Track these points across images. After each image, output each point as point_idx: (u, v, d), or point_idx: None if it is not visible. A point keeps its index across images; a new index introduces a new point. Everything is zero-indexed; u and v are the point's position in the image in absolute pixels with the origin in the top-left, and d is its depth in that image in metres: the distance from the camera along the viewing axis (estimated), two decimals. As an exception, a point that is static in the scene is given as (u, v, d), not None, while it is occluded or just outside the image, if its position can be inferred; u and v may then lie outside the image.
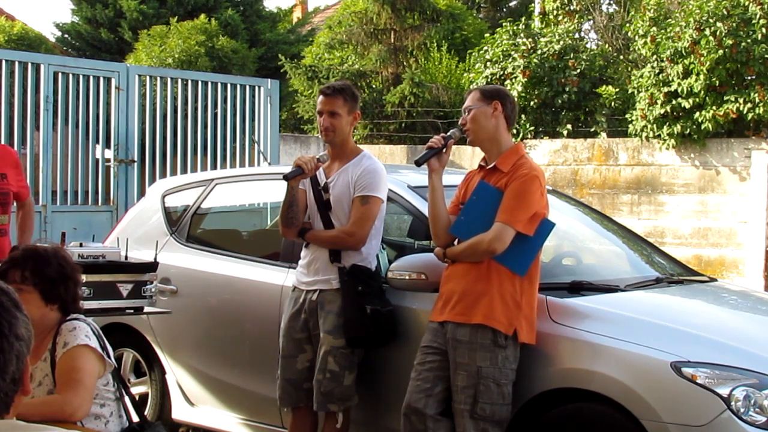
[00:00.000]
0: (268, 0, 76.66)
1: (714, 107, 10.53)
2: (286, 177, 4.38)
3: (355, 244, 4.40)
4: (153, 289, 4.60)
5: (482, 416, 3.88)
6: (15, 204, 5.34)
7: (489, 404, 3.88)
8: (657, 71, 10.97)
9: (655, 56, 11.06)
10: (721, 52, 10.32)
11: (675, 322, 4.10)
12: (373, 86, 15.70)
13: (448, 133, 4.23)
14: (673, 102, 10.74)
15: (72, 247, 4.46)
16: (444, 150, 4.18)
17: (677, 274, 5.07)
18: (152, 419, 5.13)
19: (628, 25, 12.23)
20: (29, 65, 8.89)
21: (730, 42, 10.32)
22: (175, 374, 5.42)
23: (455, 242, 4.11)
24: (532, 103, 12.31)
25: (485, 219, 3.97)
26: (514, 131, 12.29)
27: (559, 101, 12.23)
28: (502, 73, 12.48)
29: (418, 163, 4.18)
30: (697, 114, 10.62)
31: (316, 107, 4.58)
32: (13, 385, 1.67)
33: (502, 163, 4.07)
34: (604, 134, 12.22)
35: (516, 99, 12.16)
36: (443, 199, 4.16)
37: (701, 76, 10.46)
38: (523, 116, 12.40)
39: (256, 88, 10.76)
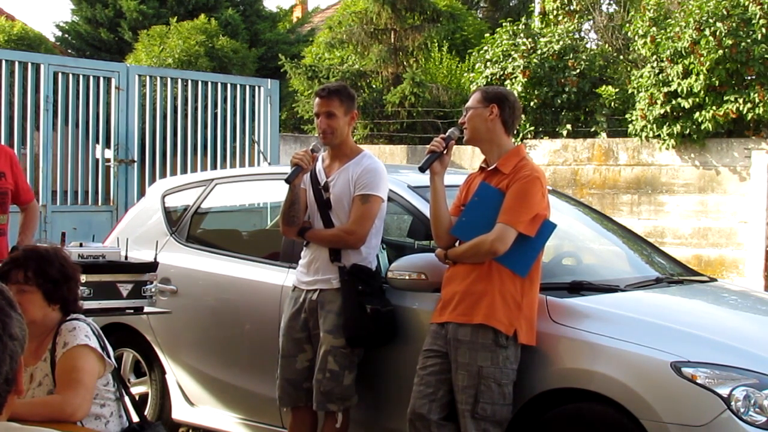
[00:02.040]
0: (268, 0, 76.66)
1: (714, 107, 10.52)
2: (288, 180, 4.38)
3: (355, 242, 4.39)
4: (153, 289, 4.60)
5: (483, 416, 3.88)
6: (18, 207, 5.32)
7: (490, 404, 3.89)
8: (657, 71, 10.97)
9: (655, 56, 11.05)
10: (721, 52, 10.32)
11: (675, 322, 4.10)
12: (373, 86, 15.70)
13: (447, 134, 4.21)
14: (673, 102, 10.74)
15: (72, 247, 4.46)
16: (445, 152, 4.18)
17: (677, 274, 5.07)
18: (152, 419, 5.13)
19: (628, 25, 12.22)
20: (29, 65, 8.89)
21: (730, 42, 10.31)
22: (175, 374, 5.42)
23: (457, 243, 4.11)
24: (532, 103, 12.31)
25: (486, 220, 3.97)
26: (513, 133, 12.28)
27: (559, 101, 12.22)
28: (502, 73, 12.48)
29: (422, 170, 4.18)
30: (697, 114, 10.62)
31: (314, 109, 4.57)
32: (7, 386, 1.66)
33: (503, 164, 4.07)
34: (604, 134, 12.21)
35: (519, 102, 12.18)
36: (445, 200, 4.16)
37: (701, 76, 10.46)
38: (523, 116, 12.38)
39: (256, 88, 10.76)
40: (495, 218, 3.95)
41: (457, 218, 4.13)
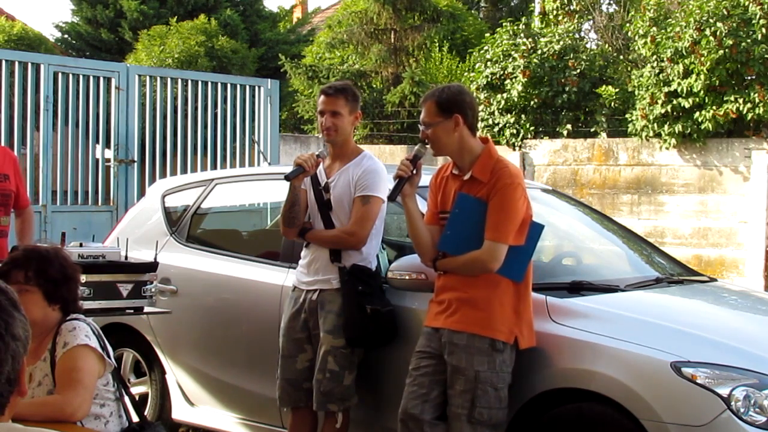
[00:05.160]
0: (268, 0, 76.65)
1: (714, 107, 10.53)
2: (287, 177, 4.38)
3: (355, 243, 4.39)
4: (153, 289, 4.59)
5: (480, 420, 3.86)
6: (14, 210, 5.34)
7: (486, 408, 3.87)
8: (657, 71, 10.97)
9: (655, 56, 11.06)
10: (721, 52, 10.32)
11: (675, 322, 4.10)
12: (374, 86, 15.70)
13: (413, 154, 4.06)
14: (674, 102, 10.74)
15: (72, 247, 4.46)
16: (414, 172, 4.04)
17: (677, 274, 5.07)
18: (152, 419, 5.13)
19: (628, 25, 12.23)
20: (29, 65, 8.88)
21: (730, 42, 10.32)
22: (175, 374, 5.42)
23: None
24: (532, 103, 12.31)
25: (471, 231, 3.90)
26: (514, 131, 12.29)
27: (559, 101, 12.22)
28: (502, 73, 12.49)
29: (391, 199, 4.09)
30: (697, 114, 10.62)
31: (318, 107, 4.56)
32: (9, 386, 1.65)
33: (479, 172, 3.95)
34: (604, 134, 12.22)
35: (513, 99, 12.02)
36: (422, 220, 4.07)
37: (701, 76, 10.46)
38: (523, 116, 12.39)
39: (256, 88, 10.76)
40: (479, 228, 3.88)
41: (436, 227, 4.05)
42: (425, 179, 4.22)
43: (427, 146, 4.07)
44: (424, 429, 3.94)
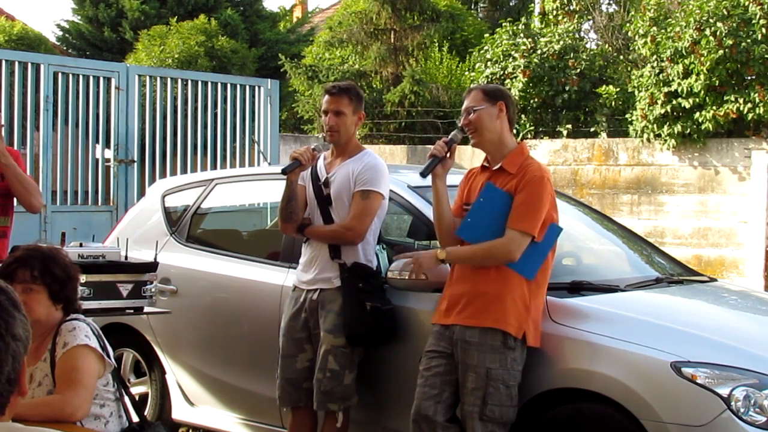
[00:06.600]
0: (268, 0, 76.66)
1: (714, 107, 10.53)
2: (284, 171, 4.38)
3: (353, 238, 4.38)
4: (153, 289, 4.59)
5: (491, 418, 3.86)
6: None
7: (498, 406, 3.87)
8: (657, 71, 10.97)
9: (655, 56, 11.06)
10: (721, 52, 10.32)
11: (675, 322, 4.10)
12: (373, 86, 15.70)
13: (449, 137, 4.14)
14: (674, 102, 10.74)
15: (72, 247, 4.46)
16: (448, 155, 4.12)
17: (677, 274, 5.07)
18: (152, 419, 5.13)
19: (628, 25, 12.23)
20: (29, 65, 8.89)
21: (730, 42, 10.31)
22: (175, 374, 5.42)
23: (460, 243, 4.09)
24: (532, 103, 12.31)
25: (492, 221, 3.93)
26: (514, 131, 12.29)
27: (559, 101, 12.22)
28: (502, 72, 12.48)
29: (423, 175, 4.11)
30: (698, 114, 10.62)
31: (321, 106, 4.56)
32: (9, 386, 1.65)
33: (508, 164, 4.02)
34: (604, 134, 12.22)
35: (516, 99, 12.16)
36: (448, 203, 4.13)
37: (701, 76, 10.46)
38: (523, 116, 12.39)
39: (256, 88, 10.76)
40: (501, 220, 3.91)
41: (458, 219, 4.11)
42: (456, 179, 4.25)
43: (465, 134, 4.13)
44: (437, 431, 3.94)
